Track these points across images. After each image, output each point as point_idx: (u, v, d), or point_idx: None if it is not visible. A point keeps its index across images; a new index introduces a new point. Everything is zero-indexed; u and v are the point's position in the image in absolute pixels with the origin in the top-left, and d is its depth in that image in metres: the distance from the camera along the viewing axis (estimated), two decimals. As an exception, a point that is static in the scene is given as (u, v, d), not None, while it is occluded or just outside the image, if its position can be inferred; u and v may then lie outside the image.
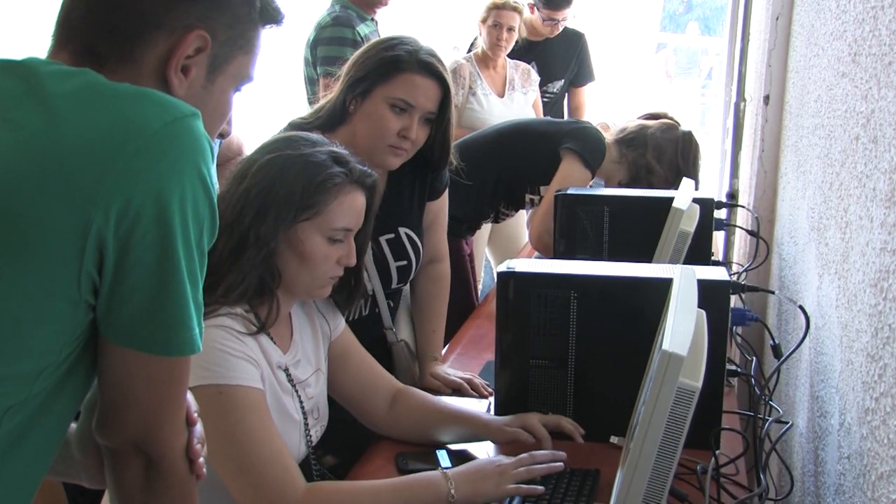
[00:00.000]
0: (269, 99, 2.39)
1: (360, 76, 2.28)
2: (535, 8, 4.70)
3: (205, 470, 1.29)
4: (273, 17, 1.34)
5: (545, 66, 4.80)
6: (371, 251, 2.32)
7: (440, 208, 2.53)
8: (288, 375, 1.85)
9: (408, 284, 2.59)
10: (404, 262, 2.41)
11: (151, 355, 1.16)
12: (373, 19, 4.10)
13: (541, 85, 4.82)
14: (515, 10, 4.43)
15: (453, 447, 2.02)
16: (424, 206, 2.48)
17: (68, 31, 1.23)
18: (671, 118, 3.87)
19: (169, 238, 1.12)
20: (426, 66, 2.26)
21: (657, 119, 3.69)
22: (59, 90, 1.13)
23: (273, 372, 1.80)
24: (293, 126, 2.38)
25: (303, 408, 1.89)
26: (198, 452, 1.27)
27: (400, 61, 2.25)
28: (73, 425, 1.30)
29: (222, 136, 1.40)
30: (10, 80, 1.15)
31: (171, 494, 1.25)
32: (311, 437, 1.92)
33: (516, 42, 4.53)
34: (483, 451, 2.00)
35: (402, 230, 2.40)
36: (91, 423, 1.23)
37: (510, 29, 4.42)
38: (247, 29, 1.30)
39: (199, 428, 1.29)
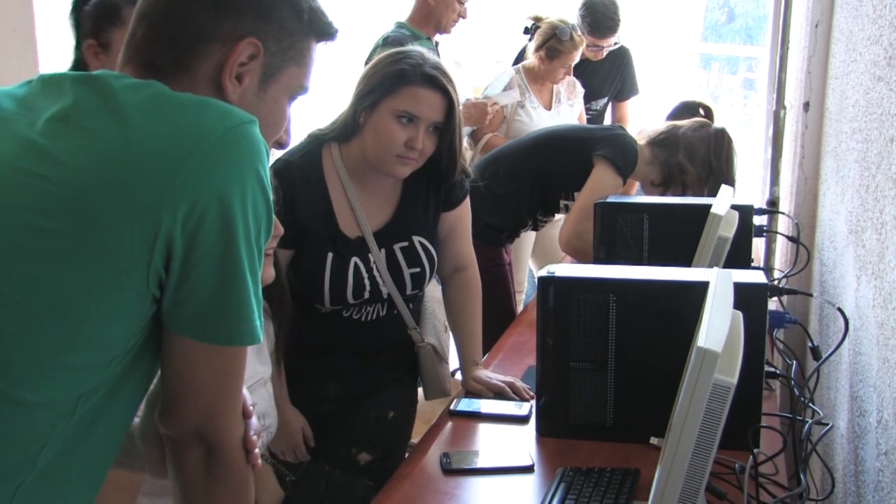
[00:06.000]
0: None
1: (368, 89, 2.36)
2: (581, 32, 4.72)
3: (260, 461, 1.36)
4: (325, 30, 1.42)
5: (590, 84, 4.82)
6: (385, 258, 2.41)
7: (458, 218, 2.58)
8: None
9: (433, 292, 2.65)
10: (418, 270, 2.47)
11: (214, 345, 1.24)
12: (429, 38, 4.20)
13: (585, 102, 4.86)
14: (579, 44, 4.43)
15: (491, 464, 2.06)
16: (439, 216, 2.54)
17: (133, 48, 1.33)
18: (706, 106, 3.92)
19: (232, 236, 1.20)
20: (430, 78, 2.32)
21: (692, 109, 3.75)
22: (131, 101, 1.22)
23: None
24: (312, 137, 2.47)
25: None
26: (254, 443, 1.34)
27: (404, 75, 2.32)
28: (136, 420, 1.37)
29: (280, 144, 1.47)
30: (86, 92, 1.24)
31: (229, 482, 1.32)
32: None
33: None
34: (526, 454, 2.05)
35: (416, 238, 2.47)
36: (153, 415, 1.31)
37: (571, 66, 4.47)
38: (297, 41, 1.38)
39: (254, 420, 1.36)
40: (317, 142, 2.43)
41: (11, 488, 1.17)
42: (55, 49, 3.31)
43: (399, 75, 2.32)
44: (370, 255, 2.39)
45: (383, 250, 2.42)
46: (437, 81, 2.32)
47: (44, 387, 1.16)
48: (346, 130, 2.40)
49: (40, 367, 1.16)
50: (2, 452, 1.16)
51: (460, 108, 2.39)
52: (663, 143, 3.27)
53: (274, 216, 1.90)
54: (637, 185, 3.70)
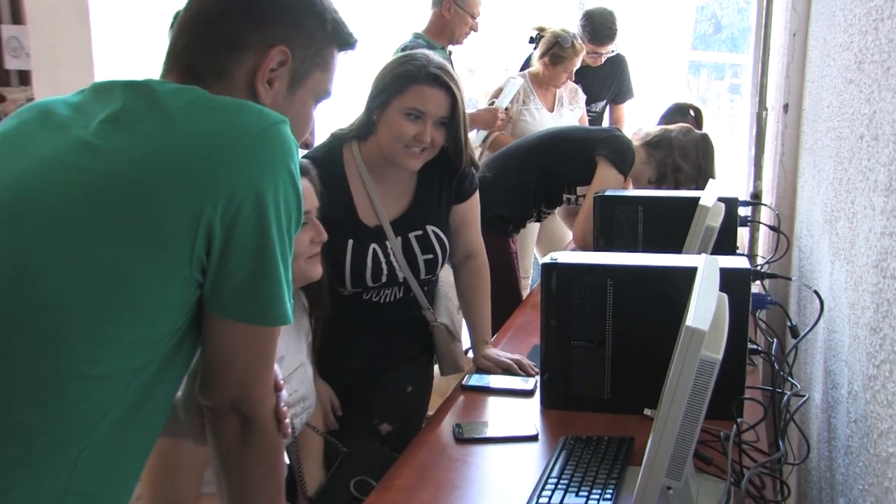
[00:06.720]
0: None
1: (380, 90, 2.37)
2: (581, 40, 4.71)
3: (290, 430, 1.37)
4: (346, 40, 1.43)
5: (589, 88, 4.82)
6: (400, 245, 2.42)
7: (468, 209, 2.58)
8: None
9: (446, 277, 2.66)
10: (431, 256, 2.47)
11: (250, 325, 1.25)
12: (443, 48, 4.21)
13: (585, 104, 4.86)
14: (579, 51, 4.45)
15: (499, 433, 2.05)
16: (451, 207, 2.54)
17: (175, 57, 1.34)
18: (696, 108, 3.95)
19: (265, 225, 1.21)
20: (434, 77, 2.32)
21: (684, 111, 3.78)
22: (174, 104, 1.24)
23: None
24: (334, 136, 2.48)
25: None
26: (284, 413, 1.35)
27: (411, 75, 2.33)
28: (179, 392, 1.38)
29: (306, 145, 1.47)
30: (134, 96, 1.26)
31: (262, 448, 1.33)
32: (294, 425, 1.99)
33: None
34: (531, 424, 2.05)
35: (429, 228, 2.47)
36: (194, 388, 1.32)
37: (572, 70, 4.47)
38: (322, 48, 1.39)
39: (284, 393, 1.37)
40: (338, 140, 2.44)
41: (76, 452, 1.18)
42: (109, 62, 3.35)
43: (406, 76, 2.33)
44: (387, 242, 2.40)
45: (399, 238, 2.42)
46: (440, 80, 2.33)
47: (102, 362, 1.17)
48: (363, 129, 2.41)
49: (99, 345, 1.17)
50: (69, 420, 1.17)
51: (463, 103, 2.39)
52: (658, 144, 3.29)
53: (317, 221, 1.94)
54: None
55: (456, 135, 2.39)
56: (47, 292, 1.15)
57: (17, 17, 5.66)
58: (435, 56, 2.40)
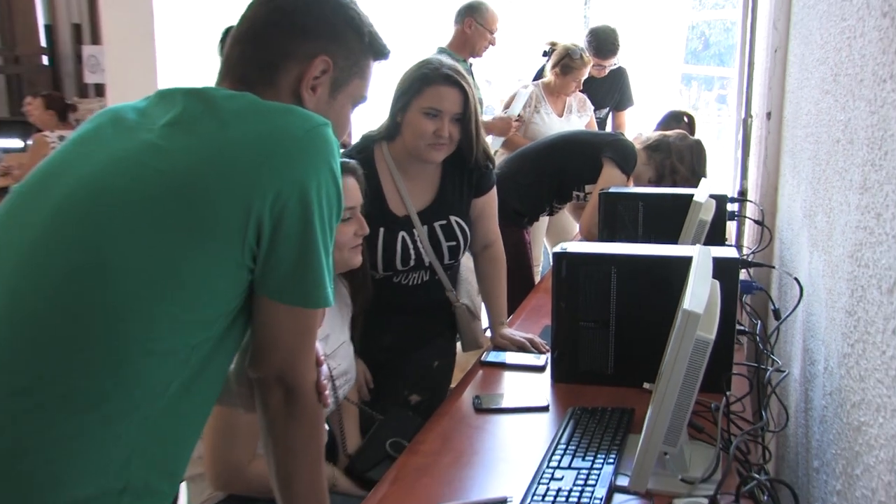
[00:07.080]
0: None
1: (401, 94, 2.37)
2: (588, 54, 4.70)
3: (330, 401, 1.37)
4: (381, 51, 1.43)
5: (594, 97, 4.81)
6: (426, 233, 2.42)
7: (487, 203, 2.56)
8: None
9: (467, 263, 2.65)
10: (454, 243, 2.47)
11: (295, 307, 1.25)
12: (465, 60, 4.21)
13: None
14: (587, 63, 4.44)
15: (514, 404, 2.04)
16: (471, 200, 2.53)
17: (228, 66, 1.35)
18: (690, 115, 3.94)
19: (309, 218, 1.21)
20: (447, 77, 2.31)
21: (678, 118, 3.77)
22: (229, 108, 1.24)
23: None
24: (365, 137, 2.47)
25: (331, 374, 1.94)
26: (324, 386, 1.35)
27: (427, 77, 2.32)
28: (231, 367, 1.38)
29: (344, 145, 1.47)
30: (193, 102, 1.26)
31: (304, 417, 1.33)
32: (338, 395, 2.01)
33: None
34: (542, 396, 2.04)
35: (452, 218, 2.47)
36: (245, 362, 1.32)
37: (581, 80, 4.46)
38: (360, 58, 1.39)
39: (325, 368, 1.36)
40: (369, 141, 2.45)
41: (142, 418, 1.18)
42: (171, 75, 3.37)
43: (423, 78, 2.32)
44: (415, 230, 2.40)
45: (425, 227, 2.42)
46: (452, 79, 2.32)
47: (165, 340, 1.17)
48: (390, 131, 2.41)
49: (164, 323, 1.17)
50: (136, 390, 1.17)
51: (475, 100, 2.38)
52: (657, 148, 3.28)
53: (361, 216, 1.95)
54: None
55: (468, 128, 2.38)
56: (117, 278, 1.15)
57: (95, 39, 5.73)
58: (447, 59, 2.40)
